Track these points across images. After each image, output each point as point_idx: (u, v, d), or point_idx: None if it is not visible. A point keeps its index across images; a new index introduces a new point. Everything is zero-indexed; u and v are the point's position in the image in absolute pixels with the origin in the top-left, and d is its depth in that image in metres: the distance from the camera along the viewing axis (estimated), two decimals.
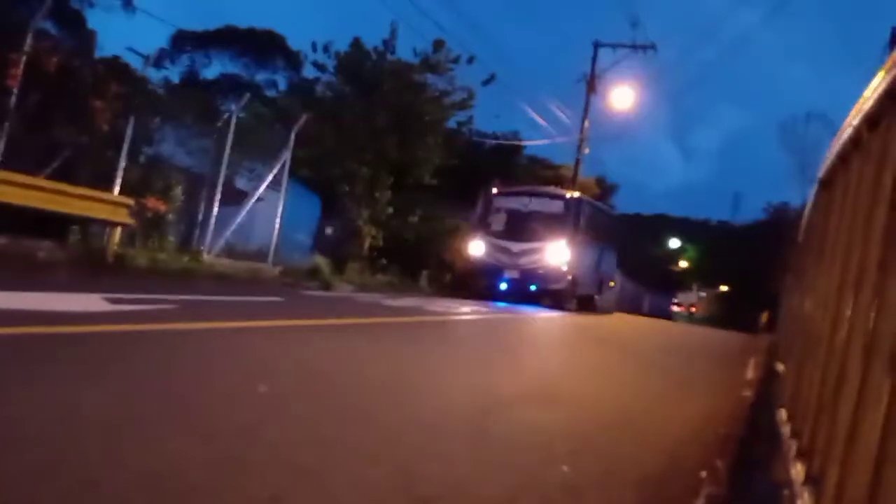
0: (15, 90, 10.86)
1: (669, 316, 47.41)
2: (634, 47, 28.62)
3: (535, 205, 21.40)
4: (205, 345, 5.62)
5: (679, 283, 62.85)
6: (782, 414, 3.29)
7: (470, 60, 22.32)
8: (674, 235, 65.84)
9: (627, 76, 30.10)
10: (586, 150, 29.65)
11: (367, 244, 21.36)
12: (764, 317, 21.96)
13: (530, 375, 6.45)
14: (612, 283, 27.58)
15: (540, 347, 9.90)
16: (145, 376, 4.06)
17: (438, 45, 22.02)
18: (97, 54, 17.03)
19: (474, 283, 20.78)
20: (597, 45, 29.24)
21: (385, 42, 21.84)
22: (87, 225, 11.66)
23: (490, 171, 25.06)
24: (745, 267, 48.80)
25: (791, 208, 40.97)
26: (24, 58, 10.87)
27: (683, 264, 65.40)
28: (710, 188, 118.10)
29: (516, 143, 31.56)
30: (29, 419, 2.89)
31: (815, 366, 2.44)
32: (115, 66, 15.00)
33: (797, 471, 2.21)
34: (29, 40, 11.08)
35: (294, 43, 28.65)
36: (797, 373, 3.16)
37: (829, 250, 2.64)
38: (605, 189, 42.39)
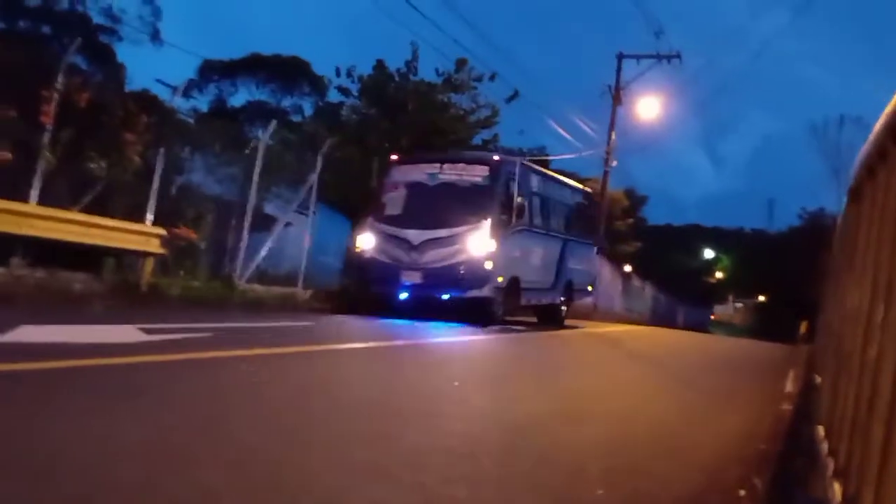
0: (49, 126, 11.11)
1: (706, 328, 46.75)
2: (659, 57, 28.48)
3: (447, 175, 14.57)
4: (239, 372, 5.66)
5: (714, 294, 62.05)
6: (820, 431, 3.22)
7: (492, 78, 22.38)
8: (707, 246, 65.11)
9: (653, 86, 29.94)
10: (614, 163, 29.50)
11: None
12: (803, 326, 21.54)
13: (554, 395, 6.39)
14: (589, 288, 19.88)
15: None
16: (181, 406, 4.10)
17: (461, 63, 22.13)
18: (127, 87, 17.41)
19: (364, 292, 14.78)
20: (621, 57, 29.16)
21: (407, 63, 22.02)
22: (120, 256, 11.85)
23: None
24: (783, 275, 48.06)
25: (827, 214, 40.34)
26: (56, 95, 11.13)
27: (718, 275, 64.55)
28: (742, 196, 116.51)
29: (542, 157, 31.53)
30: (67, 450, 2.93)
31: (848, 381, 2.39)
32: (145, 99, 15.31)
33: (834, 492, 2.16)
34: (61, 77, 11.34)
35: (319, 68, 28.96)
36: (832, 388, 3.09)
37: (859, 263, 2.59)
38: (634, 201, 42.20)
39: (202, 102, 28.08)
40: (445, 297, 13.86)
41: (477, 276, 13.54)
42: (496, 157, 15.13)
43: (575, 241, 17.99)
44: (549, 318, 17.03)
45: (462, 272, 13.53)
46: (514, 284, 14.53)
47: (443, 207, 14.14)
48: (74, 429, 3.32)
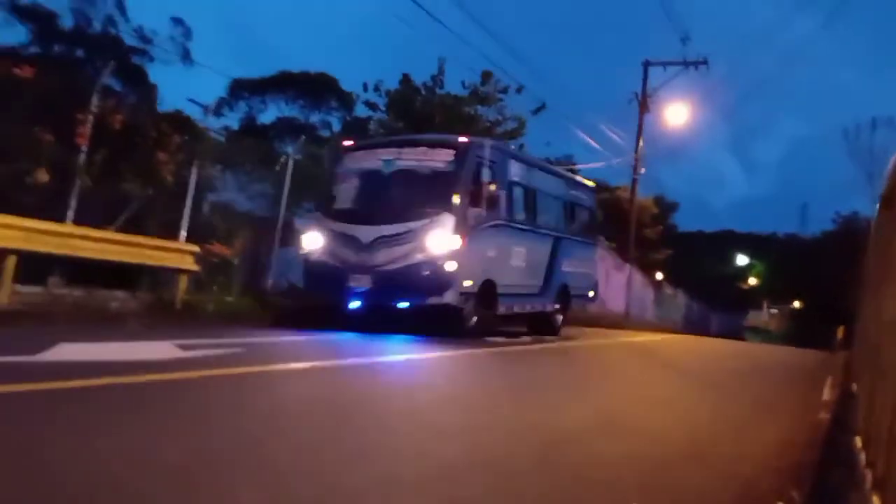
0: (84, 148, 11.37)
1: (741, 336, 46.11)
2: (686, 64, 28.32)
3: (405, 161, 12.38)
4: (274, 387, 5.73)
5: (748, 300, 61.19)
6: (857, 441, 3.17)
7: (519, 90, 22.41)
8: (740, 251, 64.30)
9: (681, 93, 29.76)
10: (642, 171, 29.36)
11: None
12: (840, 332, 21.17)
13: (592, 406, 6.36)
14: (591, 293, 17.34)
15: None
16: (217, 422, 4.16)
17: (486, 76, 22.19)
18: (159, 108, 17.73)
19: (310, 298, 13.00)
20: (647, 65, 29.05)
21: (434, 77, 22.14)
22: (155, 273, 12.04)
23: None
24: (818, 280, 47.30)
25: (861, 218, 39.65)
26: (91, 117, 11.38)
27: (752, 281, 63.67)
28: (775, 201, 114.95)
29: (570, 167, 31.48)
30: (106, 467, 2.99)
31: (885, 392, 2.36)
32: (177, 119, 15.57)
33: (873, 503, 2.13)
34: (95, 99, 11.60)
35: (346, 84, 29.25)
36: (869, 398, 3.05)
37: (894, 272, 2.57)
38: (664, 208, 41.87)
39: (233, 120, 28.48)
40: (403, 305, 11.72)
41: (437, 280, 11.34)
42: (463, 139, 12.45)
43: (571, 239, 15.85)
44: (542, 328, 14.99)
45: (419, 275, 11.31)
46: (488, 289, 12.31)
47: (398, 199, 12.19)
48: (112, 445, 3.39)
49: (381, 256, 11.44)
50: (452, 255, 11.38)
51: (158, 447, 3.44)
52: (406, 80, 22.23)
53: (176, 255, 11.71)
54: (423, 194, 11.95)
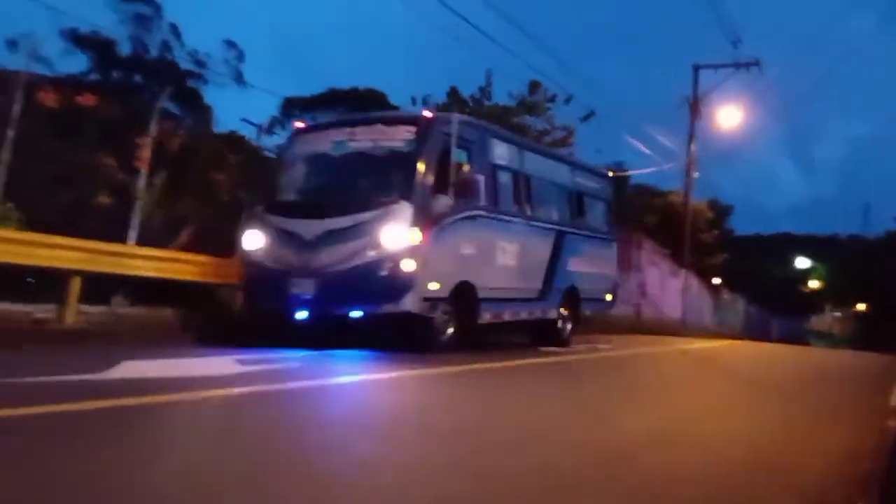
0: (144, 171, 11.74)
1: (803, 340, 44.89)
2: (737, 66, 27.83)
3: (359, 142, 10.53)
4: (331, 400, 5.82)
5: (810, 304, 59.55)
6: None
7: (567, 100, 22.35)
8: (800, 254, 62.67)
9: (733, 95, 29.25)
10: (696, 175, 28.93)
11: None
12: None
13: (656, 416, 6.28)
14: (607, 297, 15.03)
15: None
16: (271, 437, 4.24)
17: (534, 86, 22.21)
18: (215, 129, 18.18)
19: (252, 307, 11.01)
20: (697, 68, 28.66)
21: (481, 89, 22.23)
22: (215, 290, 12.32)
23: None
24: (883, 282, 45.82)
25: None
26: (150, 140, 11.75)
27: (813, 284, 61.93)
28: (835, 201, 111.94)
29: (621, 173, 31.15)
30: (168, 484, 3.08)
31: None
32: (232, 139, 15.96)
33: None
34: (154, 123, 11.98)
35: (394, 99, 29.53)
36: None
37: None
38: (719, 212, 41.08)
39: (285, 139, 28.98)
40: (355, 314, 9.78)
41: (392, 283, 9.41)
42: (426, 113, 10.69)
43: (580, 234, 13.72)
44: (546, 338, 12.91)
45: (370, 277, 9.40)
46: (466, 293, 10.38)
47: (348, 186, 10.53)
48: (172, 462, 3.48)
49: (327, 256, 9.56)
50: (410, 252, 9.43)
51: (217, 464, 3.53)
52: (454, 93, 22.37)
53: (233, 271, 11.96)
54: (377, 180, 10.29)
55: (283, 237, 9.90)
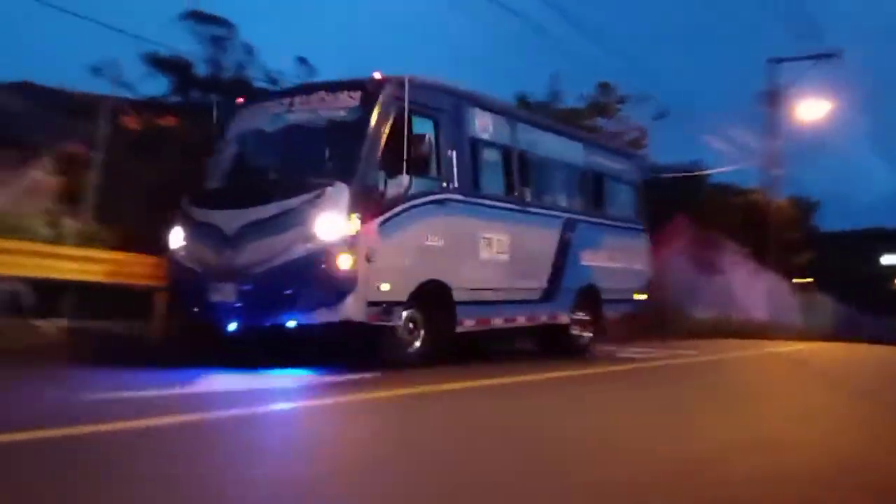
0: None
1: None
2: (817, 57, 26.81)
3: (298, 114, 8.91)
4: (424, 410, 5.79)
5: None
6: None
7: (640, 99, 21.96)
8: (893, 250, 59.71)
9: (814, 88, 28.16)
10: (779, 171, 27.97)
11: None
12: None
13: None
14: (636, 296, 12.78)
15: None
16: (349, 448, 4.24)
17: (604, 86, 21.93)
18: None
19: (178, 317, 9.44)
20: (774, 61, 27.72)
21: (550, 93, 22.09)
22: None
23: (673, 206, 24.10)
24: None
25: None
26: None
27: None
28: None
29: (698, 172, 30.39)
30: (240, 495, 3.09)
31: None
32: None
33: None
34: None
35: None
36: None
37: None
38: (803, 208, 39.59)
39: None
40: (290, 322, 7.89)
41: (324, 285, 7.64)
42: (376, 75, 8.57)
43: (599, 223, 11.74)
44: (559, 347, 11.09)
45: (300, 278, 7.66)
46: (434, 295, 8.52)
47: (280, 168, 9.00)
48: (245, 473, 3.51)
49: (250, 254, 7.85)
50: (348, 245, 7.58)
51: (283, 474, 3.54)
52: (521, 98, 22.27)
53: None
54: (314, 158, 8.64)
55: (203, 232, 8.30)
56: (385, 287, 7.90)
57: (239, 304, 7.85)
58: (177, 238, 8.53)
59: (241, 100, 9.89)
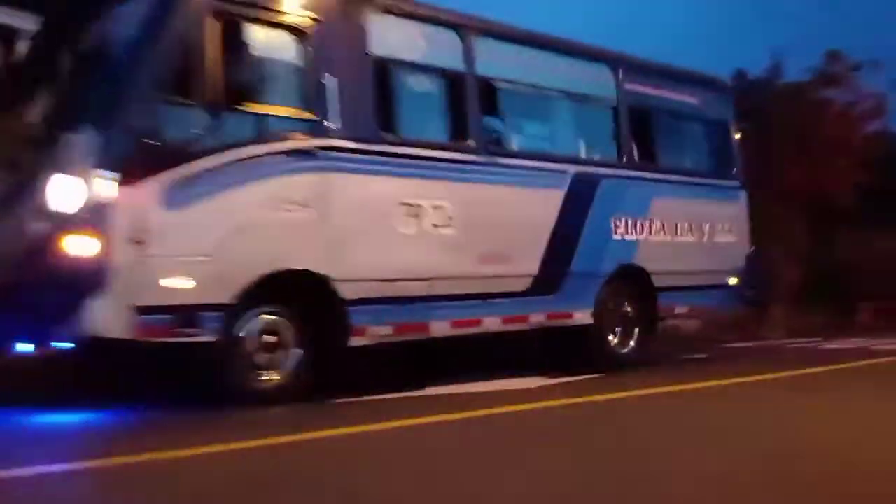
0: None
1: None
2: None
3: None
4: (645, 414, 5.70)
5: None
6: None
7: (874, 65, 19.89)
8: None
9: None
10: None
11: (786, 284, 19.79)
12: None
13: None
14: (732, 280, 9.01)
15: None
16: (581, 453, 4.23)
17: (833, 55, 20.13)
18: None
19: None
20: None
21: (770, 68, 20.67)
22: None
23: None
24: None
25: None
26: None
27: None
28: None
29: None
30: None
31: None
32: None
33: None
34: None
35: None
36: None
37: None
38: None
39: None
40: (24, 347, 5.51)
41: (56, 281, 4.92)
42: None
43: (646, 179, 8.41)
44: (581, 358, 7.72)
45: (26, 276, 5.11)
46: (309, 292, 5.72)
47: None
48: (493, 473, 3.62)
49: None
50: (92, 218, 4.91)
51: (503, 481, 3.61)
52: (739, 75, 21.00)
53: None
54: (67, 101, 5.98)
55: None
56: (180, 283, 5.12)
57: None
58: None
59: None
